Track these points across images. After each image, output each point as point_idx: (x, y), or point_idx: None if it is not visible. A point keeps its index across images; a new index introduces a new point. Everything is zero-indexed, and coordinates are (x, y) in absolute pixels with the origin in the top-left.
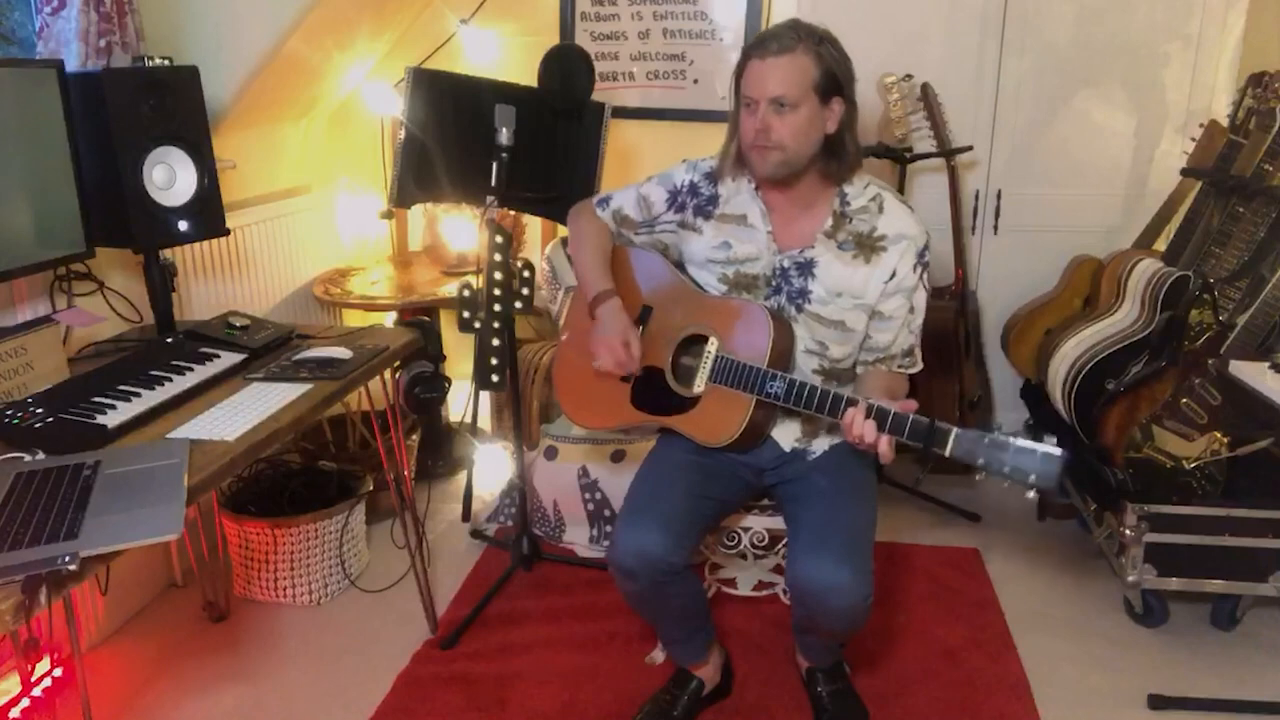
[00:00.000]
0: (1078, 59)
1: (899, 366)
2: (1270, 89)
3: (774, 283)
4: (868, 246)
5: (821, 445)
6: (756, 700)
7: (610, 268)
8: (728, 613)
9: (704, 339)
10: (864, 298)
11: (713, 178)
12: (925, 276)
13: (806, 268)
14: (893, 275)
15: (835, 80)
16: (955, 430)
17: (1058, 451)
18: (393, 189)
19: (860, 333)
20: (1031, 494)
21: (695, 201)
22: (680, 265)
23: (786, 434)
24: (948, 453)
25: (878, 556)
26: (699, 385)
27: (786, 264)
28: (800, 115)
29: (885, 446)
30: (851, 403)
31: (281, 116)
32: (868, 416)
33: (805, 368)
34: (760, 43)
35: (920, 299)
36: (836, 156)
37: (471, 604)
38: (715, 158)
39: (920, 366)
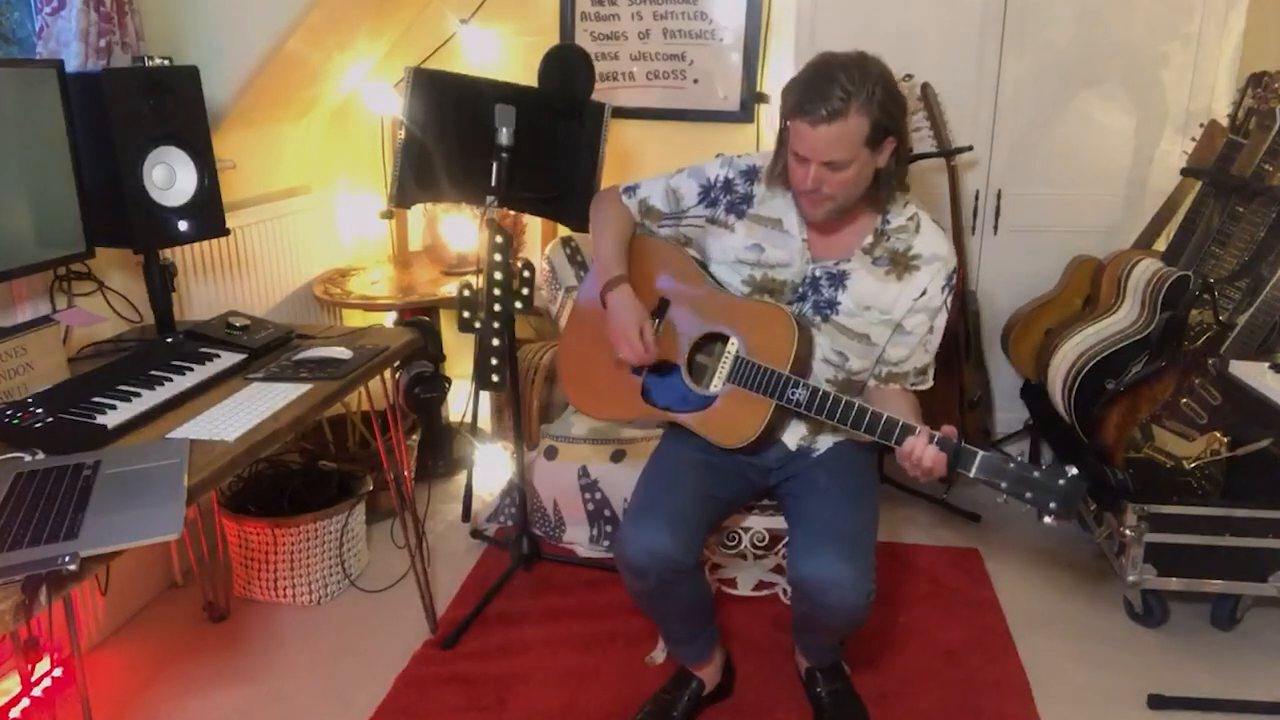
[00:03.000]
0: (1078, 59)
1: (911, 384)
2: (1270, 89)
3: (801, 290)
4: (901, 264)
5: (825, 443)
6: (756, 700)
7: (628, 257)
8: (728, 613)
9: (722, 338)
10: (891, 313)
11: (749, 176)
12: (949, 299)
13: (839, 279)
14: (922, 293)
15: (887, 128)
16: (980, 453)
17: (1079, 482)
18: (393, 189)
19: (881, 347)
20: (1048, 519)
21: (729, 198)
22: (702, 262)
23: (792, 434)
24: (972, 474)
25: (878, 557)
26: (716, 384)
27: (819, 273)
28: (852, 170)
29: (931, 465)
30: (876, 416)
31: (281, 116)
32: (896, 432)
33: (820, 376)
34: (809, 104)
35: (941, 321)
36: (885, 185)
37: (471, 604)
38: (752, 156)
39: (930, 385)
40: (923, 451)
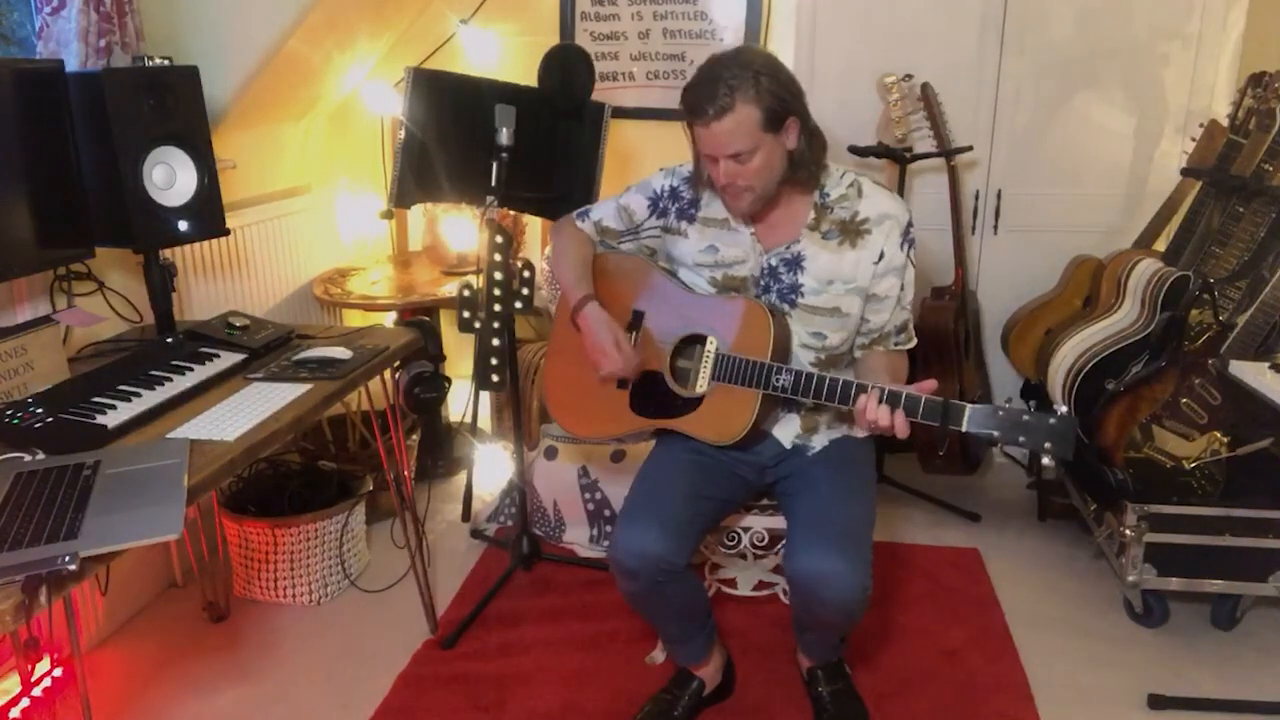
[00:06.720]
0: (1078, 59)
1: (895, 344)
2: (1270, 89)
3: (763, 282)
4: (852, 231)
5: (821, 440)
6: (757, 700)
7: (593, 274)
8: (728, 613)
9: (700, 339)
10: (855, 281)
11: (692, 181)
12: (913, 253)
13: (795, 263)
14: (881, 256)
15: (781, 111)
16: (969, 406)
17: (1070, 418)
18: (393, 189)
19: (856, 316)
20: (1048, 460)
21: (677, 205)
22: (670, 269)
23: (786, 431)
24: (964, 428)
25: (878, 556)
26: (701, 385)
27: (774, 262)
28: (759, 157)
29: (901, 424)
30: (862, 389)
31: (281, 116)
32: (881, 402)
33: (803, 360)
34: (697, 107)
35: (910, 276)
36: (803, 166)
37: (471, 604)
38: (692, 163)
39: (915, 342)
40: (864, 406)
